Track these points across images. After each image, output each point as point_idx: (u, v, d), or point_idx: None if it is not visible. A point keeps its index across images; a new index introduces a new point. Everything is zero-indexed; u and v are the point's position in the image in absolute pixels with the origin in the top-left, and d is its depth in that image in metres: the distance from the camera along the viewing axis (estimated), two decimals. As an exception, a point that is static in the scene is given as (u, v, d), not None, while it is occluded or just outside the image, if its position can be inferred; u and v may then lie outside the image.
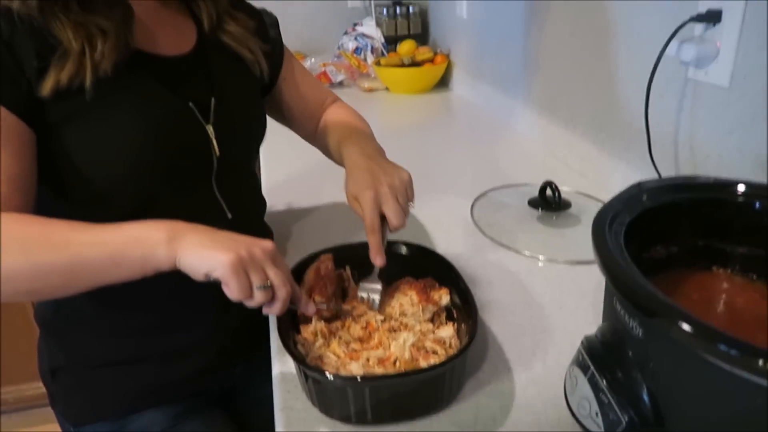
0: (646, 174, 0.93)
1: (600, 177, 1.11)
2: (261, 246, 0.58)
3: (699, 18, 0.80)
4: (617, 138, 1.05)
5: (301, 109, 0.94)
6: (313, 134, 0.95)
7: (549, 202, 0.96)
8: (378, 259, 0.70)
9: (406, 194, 0.72)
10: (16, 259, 0.58)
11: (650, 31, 0.93)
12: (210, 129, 0.75)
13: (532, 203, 0.98)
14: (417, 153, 1.38)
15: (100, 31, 0.65)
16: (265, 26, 0.88)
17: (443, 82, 1.97)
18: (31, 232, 0.60)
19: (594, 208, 0.97)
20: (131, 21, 0.69)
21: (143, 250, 0.57)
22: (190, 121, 0.73)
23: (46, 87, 0.63)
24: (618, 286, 0.49)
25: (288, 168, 1.25)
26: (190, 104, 0.73)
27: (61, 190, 0.71)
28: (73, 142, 0.67)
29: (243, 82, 0.82)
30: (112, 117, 0.67)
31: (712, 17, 0.79)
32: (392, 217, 0.69)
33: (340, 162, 0.83)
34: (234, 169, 0.80)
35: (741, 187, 0.63)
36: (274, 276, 0.58)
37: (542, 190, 0.97)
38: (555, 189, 0.96)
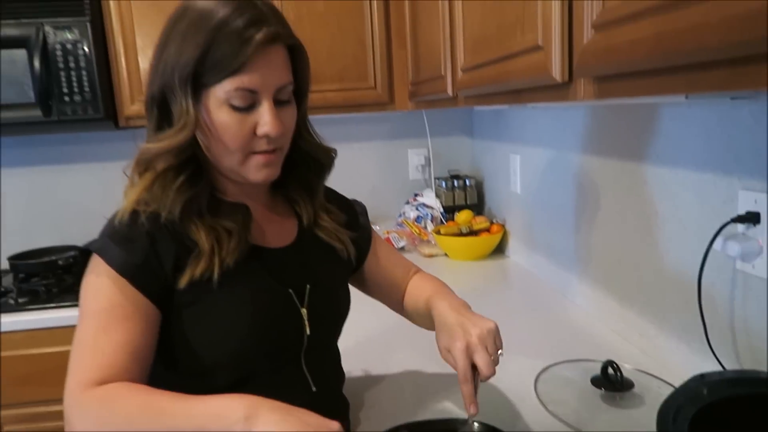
0: (707, 356, 0.97)
1: (660, 355, 1.14)
2: (329, 427, 0.64)
3: (740, 219, 0.89)
4: (674, 319, 1.11)
5: (387, 282, 1.05)
6: (400, 304, 1.04)
7: (612, 381, 1.00)
8: (472, 408, 0.77)
9: (494, 344, 0.80)
10: (122, 425, 0.68)
11: (696, 223, 1.02)
12: (304, 311, 0.85)
13: (595, 382, 1.02)
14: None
15: (227, 232, 0.80)
16: (356, 215, 1.02)
17: (500, 249, 2.09)
18: (136, 402, 0.69)
19: (657, 389, 1.01)
20: (250, 222, 0.84)
21: (223, 427, 0.64)
22: (288, 305, 0.85)
23: (183, 281, 0.76)
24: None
25: (358, 333, 1.33)
26: (290, 290, 0.85)
27: (171, 362, 0.81)
28: (191, 323, 0.79)
29: (334, 269, 0.94)
30: (227, 303, 0.79)
31: (752, 218, 0.88)
32: (483, 367, 0.77)
33: (428, 324, 0.92)
34: (321, 346, 0.89)
35: (798, 384, 0.67)
36: None
37: (604, 368, 1.01)
38: (617, 369, 1.00)
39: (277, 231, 0.90)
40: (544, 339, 1.32)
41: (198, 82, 0.75)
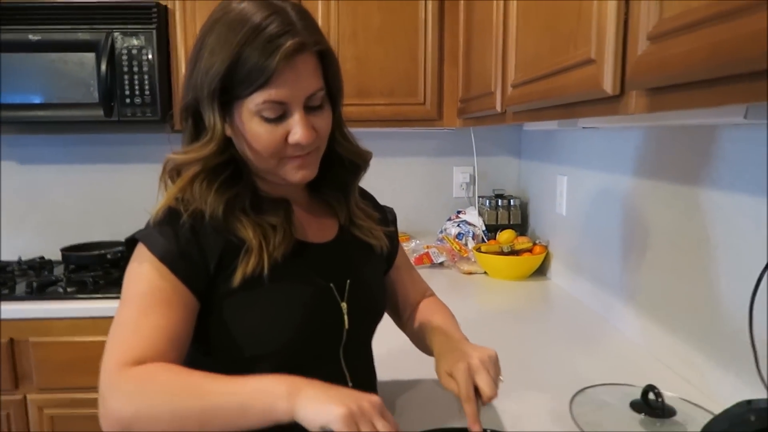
0: (757, 387, 0.92)
1: (707, 385, 1.09)
2: (369, 400, 0.65)
3: (797, 245, 0.85)
4: (724, 348, 1.06)
5: (399, 296, 1.06)
6: (404, 322, 1.06)
7: (652, 407, 0.96)
8: (476, 426, 0.76)
9: (496, 368, 0.80)
10: (160, 404, 0.68)
11: (750, 250, 0.98)
12: (344, 306, 0.87)
13: (635, 406, 0.98)
14: (514, 341, 1.42)
15: (272, 227, 0.82)
16: (387, 219, 1.03)
17: (541, 271, 2.05)
18: (175, 381, 0.70)
19: (701, 419, 0.97)
20: (292, 216, 0.86)
21: (266, 403, 0.65)
22: (329, 299, 0.86)
23: (236, 280, 0.78)
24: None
25: (390, 341, 1.33)
26: (331, 285, 0.86)
27: (209, 351, 0.83)
28: (235, 315, 0.80)
29: (372, 265, 0.96)
30: (273, 297, 0.81)
31: (811, 245, 0.84)
32: (485, 387, 0.77)
33: (424, 349, 0.93)
34: (358, 342, 0.90)
35: None
36: (382, 427, 0.64)
37: (644, 393, 0.98)
38: (658, 394, 0.96)
39: (317, 228, 0.91)
40: (583, 362, 1.29)
41: (229, 95, 0.77)
